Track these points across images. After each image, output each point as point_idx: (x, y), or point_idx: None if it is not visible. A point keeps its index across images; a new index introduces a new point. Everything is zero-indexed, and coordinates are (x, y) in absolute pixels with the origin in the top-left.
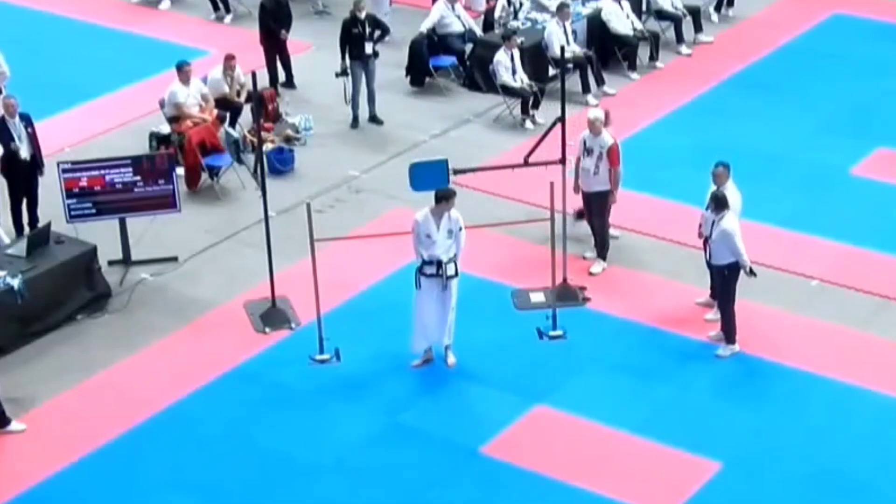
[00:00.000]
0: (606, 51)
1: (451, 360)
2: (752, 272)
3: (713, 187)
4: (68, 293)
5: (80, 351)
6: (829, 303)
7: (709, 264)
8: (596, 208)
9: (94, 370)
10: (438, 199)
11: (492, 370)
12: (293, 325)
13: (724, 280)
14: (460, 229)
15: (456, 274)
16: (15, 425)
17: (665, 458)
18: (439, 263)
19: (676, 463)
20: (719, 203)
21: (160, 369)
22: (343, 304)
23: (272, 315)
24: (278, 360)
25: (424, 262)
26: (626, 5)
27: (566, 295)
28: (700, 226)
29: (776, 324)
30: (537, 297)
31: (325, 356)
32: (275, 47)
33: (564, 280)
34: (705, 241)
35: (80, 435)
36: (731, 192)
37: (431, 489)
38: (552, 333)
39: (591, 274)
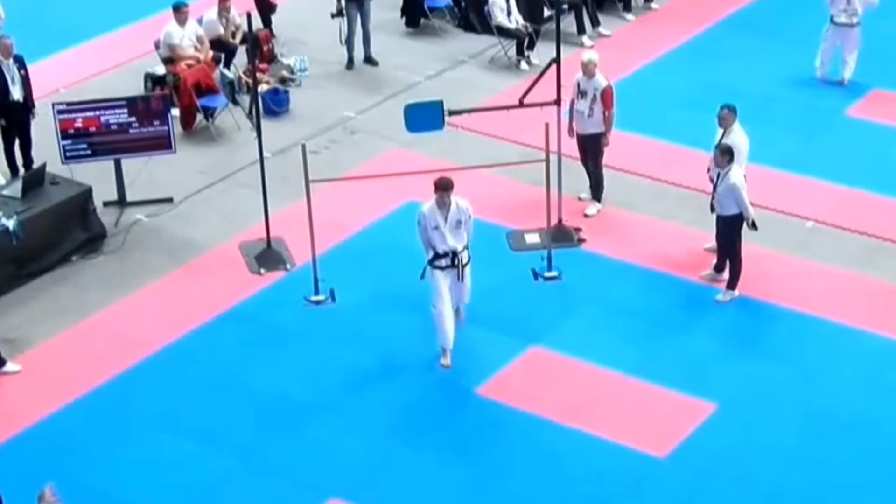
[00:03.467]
0: None
1: (461, 315)
2: (754, 225)
3: (720, 131)
4: (63, 234)
5: (75, 292)
6: (824, 244)
7: (713, 211)
8: (590, 150)
9: (90, 311)
10: (436, 189)
11: (487, 311)
12: (288, 267)
13: (729, 229)
14: (469, 217)
15: (469, 260)
16: (10, 366)
17: (660, 400)
18: (454, 254)
19: (671, 404)
20: (723, 156)
21: (155, 310)
22: (338, 244)
23: (267, 256)
24: (273, 301)
25: (437, 255)
26: None
27: (561, 236)
28: (709, 169)
29: (771, 265)
30: (532, 239)
31: (321, 297)
32: None
33: (560, 221)
34: (714, 185)
35: (75, 376)
36: (738, 134)
37: (427, 430)
38: (547, 274)
39: (586, 215)
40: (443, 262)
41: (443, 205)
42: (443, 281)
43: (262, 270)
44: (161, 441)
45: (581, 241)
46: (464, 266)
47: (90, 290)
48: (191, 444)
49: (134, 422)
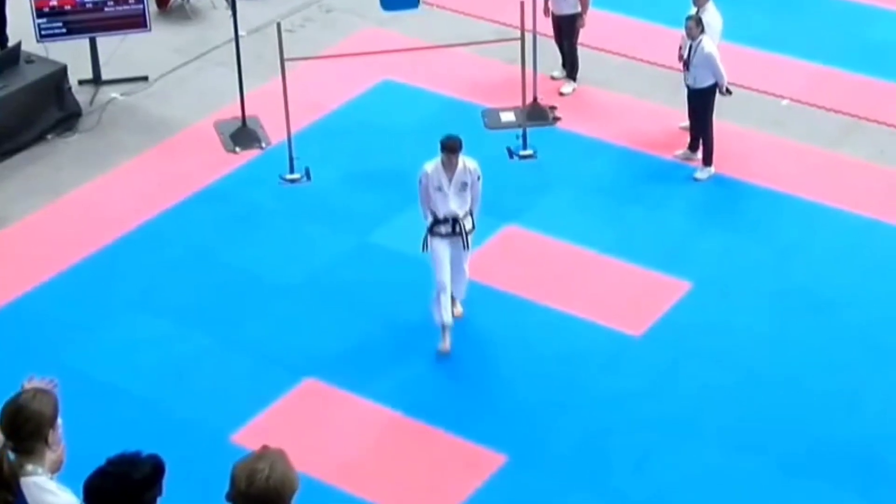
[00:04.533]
0: None
1: (459, 309)
2: (728, 91)
3: (693, 9)
4: (38, 113)
5: (50, 171)
6: (799, 122)
7: (688, 87)
8: (565, 31)
9: (64, 190)
10: (443, 149)
11: None
12: (263, 145)
13: (703, 101)
14: (478, 178)
15: (473, 227)
16: None
17: (635, 278)
18: (455, 220)
19: (647, 282)
20: (696, 27)
21: (130, 189)
22: (313, 123)
23: (242, 134)
24: (248, 179)
25: (437, 221)
26: None
27: (536, 114)
28: (680, 48)
29: (746, 143)
30: (507, 117)
31: (296, 176)
32: None
33: (535, 99)
34: (685, 65)
35: (50, 255)
36: (712, 13)
37: (401, 306)
38: (522, 153)
39: (561, 94)
40: (443, 229)
41: (449, 165)
42: (443, 250)
43: (238, 149)
44: (136, 320)
45: (556, 119)
46: (468, 233)
47: (65, 169)
48: (165, 323)
49: (109, 301)
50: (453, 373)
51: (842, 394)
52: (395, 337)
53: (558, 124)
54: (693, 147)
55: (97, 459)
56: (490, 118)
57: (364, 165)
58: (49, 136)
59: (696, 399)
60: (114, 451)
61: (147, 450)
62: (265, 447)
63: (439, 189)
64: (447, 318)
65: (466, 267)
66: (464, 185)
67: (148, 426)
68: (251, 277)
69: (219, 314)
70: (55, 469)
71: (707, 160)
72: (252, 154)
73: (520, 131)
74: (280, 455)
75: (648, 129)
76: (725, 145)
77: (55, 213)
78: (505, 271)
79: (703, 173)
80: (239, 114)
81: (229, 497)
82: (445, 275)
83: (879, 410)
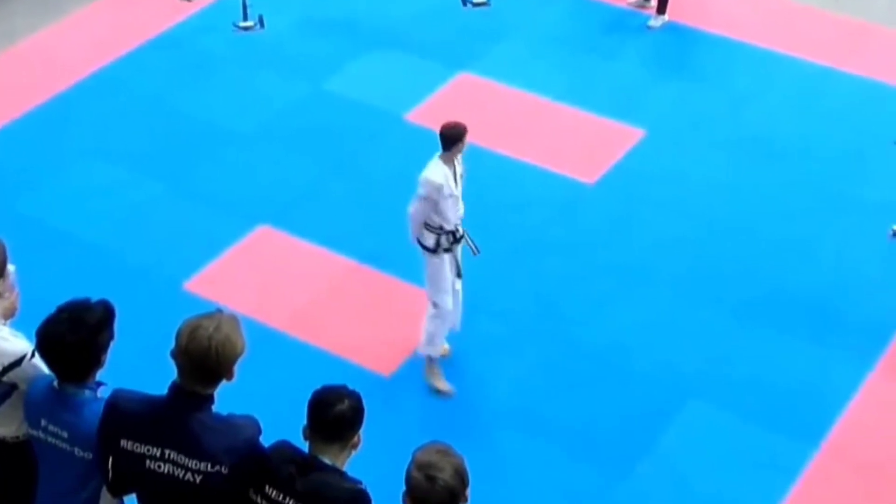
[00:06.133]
0: None
1: (446, 346)
2: None
3: None
4: None
5: (2, 18)
6: None
7: None
8: None
9: (17, 38)
10: (449, 141)
11: (415, 38)
12: None
13: None
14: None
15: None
16: None
17: (589, 125)
18: (456, 226)
19: (600, 130)
20: None
21: (83, 36)
22: None
23: None
24: (202, 27)
25: (445, 233)
26: None
27: None
28: None
29: None
30: None
31: (249, 23)
32: None
33: None
34: None
35: (3, 102)
36: None
37: (355, 156)
38: (476, 0)
39: None
40: (448, 241)
41: (449, 161)
42: (450, 269)
43: None
44: (89, 167)
45: None
46: (469, 237)
47: (17, 16)
48: (119, 170)
49: (62, 148)
50: (405, 219)
51: (796, 242)
52: (348, 184)
53: None
54: None
55: (51, 306)
56: None
57: (318, 12)
58: None
59: (651, 247)
60: (68, 297)
61: (101, 297)
62: (219, 310)
63: (451, 195)
64: (442, 351)
65: (461, 287)
66: (461, 176)
67: (101, 273)
68: (205, 125)
69: (173, 161)
70: (9, 316)
71: (661, 8)
72: (205, 2)
73: None
74: (230, 318)
75: None
76: None
77: (8, 61)
78: (458, 119)
79: (656, 21)
80: None
81: (172, 353)
82: (451, 302)
83: (833, 259)
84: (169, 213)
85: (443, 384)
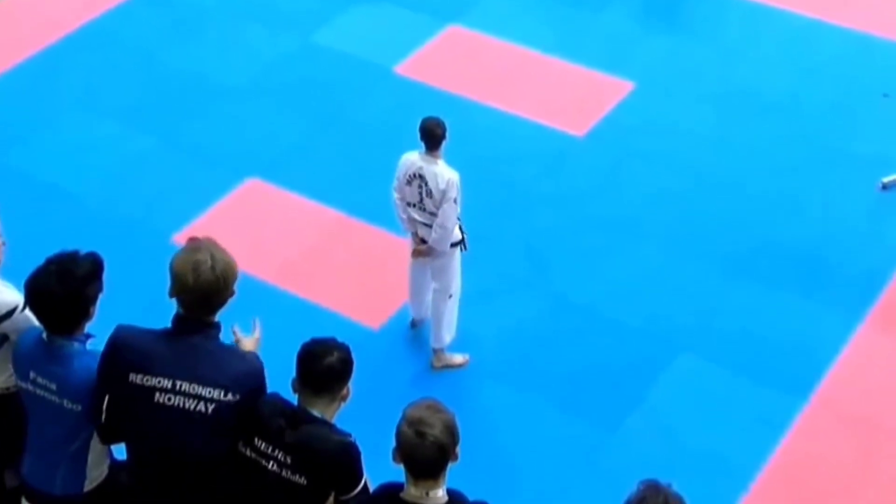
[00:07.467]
0: None
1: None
2: None
3: None
4: None
5: None
6: None
7: None
8: None
9: None
10: (441, 138)
11: None
12: None
13: None
14: None
15: None
16: None
17: (578, 78)
18: None
19: (589, 83)
20: None
21: None
22: None
23: None
24: None
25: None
26: None
27: None
28: None
29: None
30: None
31: None
32: None
33: None
34: None
35: None
36: None
37: (344, 108)
38: None
39: None
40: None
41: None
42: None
43: None
44: (79, 120)
45: None
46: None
47: None
48: (109, 124)
49: (52, 101)
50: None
51: (785, 195)
52: (337, 137)
53: None
54: None
55: (39, 259)
56: None
57: None
58: None
59: (640, 200)
60: (57, 250)
61: (90, 249)
62: (194, 238)
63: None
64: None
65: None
66: None
67: (91, 226)
68: (194, 78)
69: (162, 115)
70: None
71: None
72: None
73: None
74: (213, 243)
75: None
76: None
77: None
78: (448, 71)
79: None
80: None
81: (174, 293)
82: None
83: (822, 212)
84: (157, 167)
85: (459, 357)
